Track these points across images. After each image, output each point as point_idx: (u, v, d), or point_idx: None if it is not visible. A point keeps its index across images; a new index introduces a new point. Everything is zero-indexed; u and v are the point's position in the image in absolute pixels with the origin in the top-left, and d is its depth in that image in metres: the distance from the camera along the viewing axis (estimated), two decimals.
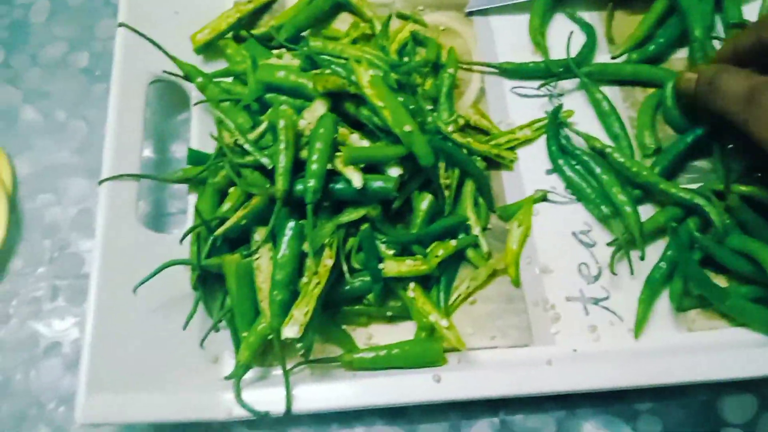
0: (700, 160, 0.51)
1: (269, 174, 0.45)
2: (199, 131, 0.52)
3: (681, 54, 0.56)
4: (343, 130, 0.46)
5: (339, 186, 0.45)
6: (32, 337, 0.49)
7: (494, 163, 0.52)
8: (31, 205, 0.54)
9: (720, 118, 0.45)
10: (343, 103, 0.47)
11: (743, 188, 0.46)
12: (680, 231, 0.46)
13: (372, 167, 0.46)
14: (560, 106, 0.52)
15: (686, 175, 0.51)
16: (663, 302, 0.47)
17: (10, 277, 0.51)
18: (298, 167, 0.45)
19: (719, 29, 0.56)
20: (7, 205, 0.52)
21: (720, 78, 0.45)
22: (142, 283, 0.43)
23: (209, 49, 0.56)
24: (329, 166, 0.44)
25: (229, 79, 0.54)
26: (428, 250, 0.47)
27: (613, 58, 0.55)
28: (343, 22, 0.58)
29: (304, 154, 0.45)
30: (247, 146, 0.46)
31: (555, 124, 0.52)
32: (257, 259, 0.44)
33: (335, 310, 0.47)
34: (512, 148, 0.52)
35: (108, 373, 0.41)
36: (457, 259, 0.48)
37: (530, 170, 0.52)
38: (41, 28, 0.61)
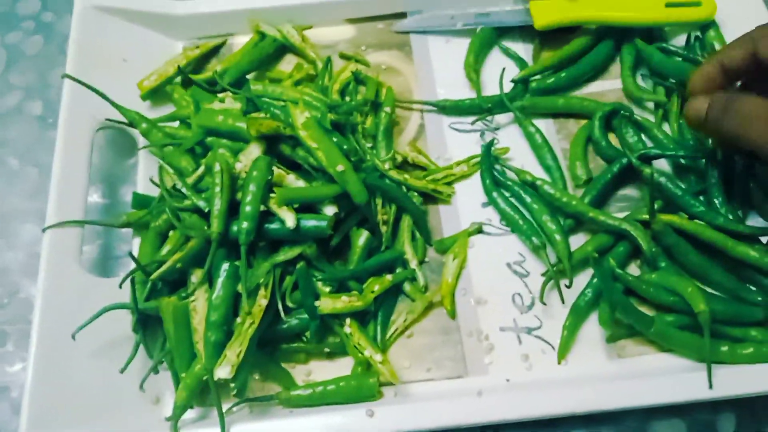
0: (630, 189, 0.53)
1: (208, 217, 0.46)
2: (146, 176, 0.54)
3: (614, 86, 0.58)
4: (279, 171, 0.47)
5: (274, 226, 0.46)
6: None
7: (432, 197, 0.53)
8: None
9: (733, 142, 0.44)
10: (280, 145, 0.49)
11: (665, 218, 0.47)
12: (604, 261, 0.47)
13: (309, 206, 0.47)
14: (492, 141, 0.54)
15: (617, 203, 0.52)
16: (593, 329, 0.48)
17: None
18: (236, 209, 0.46)
19: None
20: None
21: (737, 102, 0.43)
22: (82, 327, 0.44)
23: (157, 94, 0.57)
24: (264, 207, 0.45)
25: (176, 124, 0.55)
26: (364, 285, 0.48)
27: (512, 81, 0.56)
28: (288, 64, 0.60)
29: (240, 196, 0.46)
30: (184, 190, 0.47)
31: (488, 159, 0.53)
32: (194, 301, 0.45)
33: (274, 348, 0.48)
34: (450, 183, 0.54)
35: (50, 416, 0.42)
36: (394, 293, 0.50)
37: (466, 203, 0.53)
38: None
